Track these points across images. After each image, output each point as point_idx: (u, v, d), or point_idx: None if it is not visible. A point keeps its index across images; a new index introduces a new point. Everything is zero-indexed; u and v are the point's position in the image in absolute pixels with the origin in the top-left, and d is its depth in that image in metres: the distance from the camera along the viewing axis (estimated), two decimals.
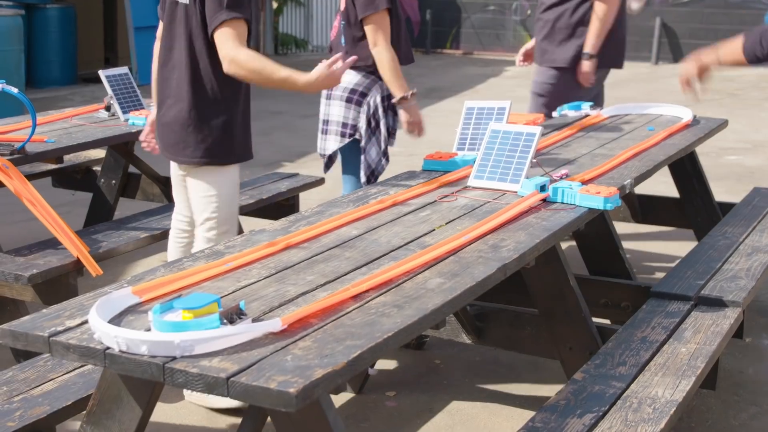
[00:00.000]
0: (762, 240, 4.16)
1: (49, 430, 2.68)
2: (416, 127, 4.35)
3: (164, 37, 3.59)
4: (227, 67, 3.34)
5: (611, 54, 5.34)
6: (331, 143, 4.49)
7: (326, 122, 4.50)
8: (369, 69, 4.29)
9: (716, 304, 3.47)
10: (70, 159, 5.61)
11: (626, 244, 4.90)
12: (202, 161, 3.53)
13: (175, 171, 3.74)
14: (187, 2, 3.45)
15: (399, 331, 2.21)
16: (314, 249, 2.78)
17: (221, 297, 2.34)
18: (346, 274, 2.56)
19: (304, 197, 5.50)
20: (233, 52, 3.30)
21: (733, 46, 4.00)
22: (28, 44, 10.69)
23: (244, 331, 2.10)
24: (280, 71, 3.32)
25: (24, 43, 9.65)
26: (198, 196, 3.62)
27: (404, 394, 3.81)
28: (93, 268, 3.79)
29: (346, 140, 4.40)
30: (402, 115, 4.28)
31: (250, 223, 5.19)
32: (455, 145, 3.96)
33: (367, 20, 4.14)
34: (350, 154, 4.48)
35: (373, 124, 4.37)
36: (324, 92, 4.45)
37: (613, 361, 3.01)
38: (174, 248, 3.90)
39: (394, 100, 4.25)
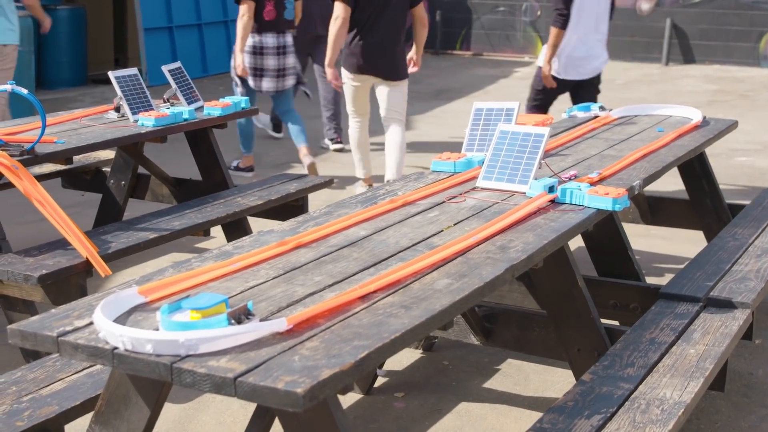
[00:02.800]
0: None
1: (58, 430, 2.69)
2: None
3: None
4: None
5: None
6: (290, 81, 7.10)
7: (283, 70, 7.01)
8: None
9: (725, 305, 3.46)
10: (79, 160, 5.62)
11: (635, 246, 4.89)
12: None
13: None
14: None
15: (406, 332, 2.21)
16: (322, 249, 2.78)
17: (229, 297, 2.35)
18: (354, 275, 2.56)
19: (312, 198, 5.50)
20: None
21: None
22: (38, 45, 10.71)
23: (248, 331, 2.10)
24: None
25: (34, 44, 9.68)
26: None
27: (412, 395, 3.81)
28: (102, 268, 3.80)
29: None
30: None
31: (258, 223, 5.20)
32: (464, 146, 3.96)
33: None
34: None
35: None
36: (274, 47, 6.95)
37: (622, 363, 3.00)
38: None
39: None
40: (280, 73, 6.95)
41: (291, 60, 7.04)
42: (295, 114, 7.34)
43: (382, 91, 6.48)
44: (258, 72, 6.93)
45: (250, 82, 6.95)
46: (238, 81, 7.04)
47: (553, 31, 6.14)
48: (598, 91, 6.39)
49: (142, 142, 5.15)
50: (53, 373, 2.89)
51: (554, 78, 6.25)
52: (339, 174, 7.37)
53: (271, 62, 6.93)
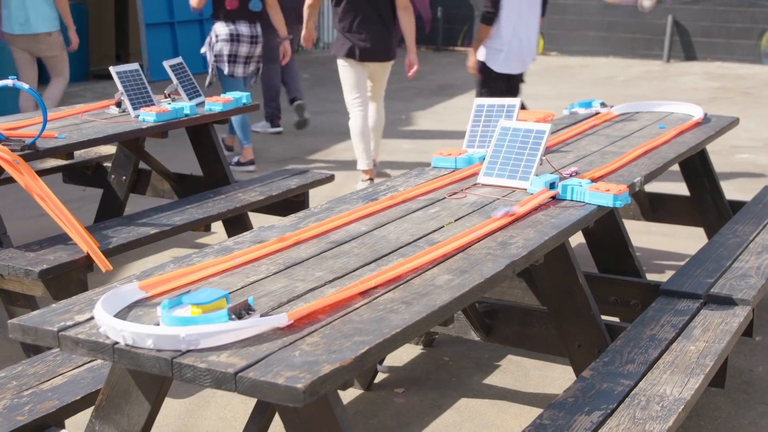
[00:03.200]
0: None
1: (59, 425, 2.69)
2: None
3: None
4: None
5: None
6: (251, 68, 7.28)
7: (250, 57, 7.22)
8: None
9: (726, 302, 3.46)
10: (80, 155, 5.62)
11: (636, 242, 4.90)
12: None
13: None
14: None
15: (407, 328, 2.21)
16: (323, 245, 2.78)
17: (230, 292, 2.35)
18: (354, 271, 2.57)
19: (313, 194, 5.50)
20: None
21: None
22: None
23: (249, 326, 2.10)
24: None
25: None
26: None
27: (413, 391, 3.81)
28: (103, 263, 3.80)
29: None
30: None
31: (259, 219, 5.20)
32: (465, 142, 3.96)
33: None
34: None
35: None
36: (248, 35, 7.18)
37: (622, 359, 3.00)
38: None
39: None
40: (248, 60, 7.29)
41: (259, 50, 7.36)
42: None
43: (372, 71, 6.79)
44: (232, 58, 7.21)
45: (226, 68, 7.20)
46: (214, 68, 7.29)
47: (481, 27, 6.73)
48: (522, 81, 6.93)
49: (144, 137, 5.16)
50: (54, 368, 2.90)
51: (495, 73, 6.67)
52: (339, 170, 7.37)
53: (243, 49, 7.23)
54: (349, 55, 6.61)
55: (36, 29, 7.46)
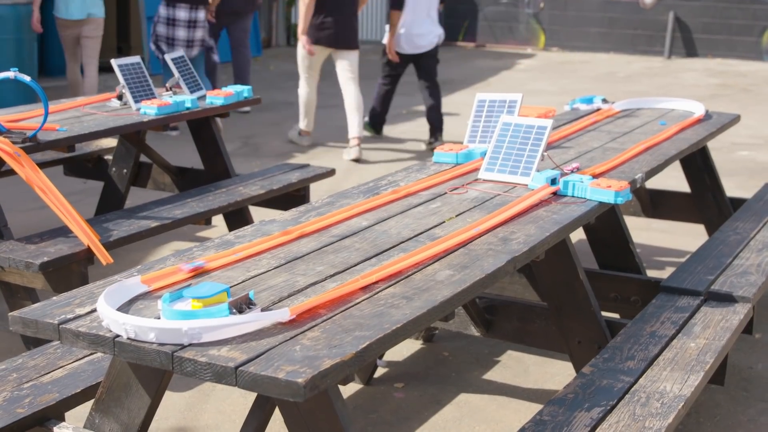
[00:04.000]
0: None
1: (59, 417, 2.69)
2: None
3: None
4: None
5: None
6: (195, 51, 7.82)
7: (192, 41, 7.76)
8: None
9: (726, 299, 3.46)
10: (81, 147, 5.61)
11: (636, 239, 4.90)
12: None
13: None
14: None
15: (408, 323, 2.21)
16: (324, 240, 2.78)
17: (231, 286, 2.35)
18: (355, 265, 2.57)
19: (314, 188, 5.50)
20: None
21: None
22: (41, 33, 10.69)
23: (252, 320, 2.10)
24: None
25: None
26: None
27: (412, 386, 3.82)
28: (103, 256, 3.80)
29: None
30: None
31: (260, 213, 5.20)
32: (466, 137, 3.96)
33: None
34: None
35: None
36: (185, 20, 7.64)
37: (622, 356, 3.00)
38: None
39: None
40: (189, 44, 7.84)
41: (200, 33, 7.73)
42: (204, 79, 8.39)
43: (340, 57, 7.80)
44: (170, 41, 7.68)
45: (165, 49, 7.67)
46: (155, 48, 7.80)
47: (392, 12, 7.85)
48: (437, 62, 8.16)
49: (145, 130, 5.15)
50: (54, 361, 2.90)
51: (398, 54, 7.92)
52: (340, 165, 7.37)
53: (181, 34, 7.61)
54: (310, 37, 7.68)
55: (94, 14, 8.23)
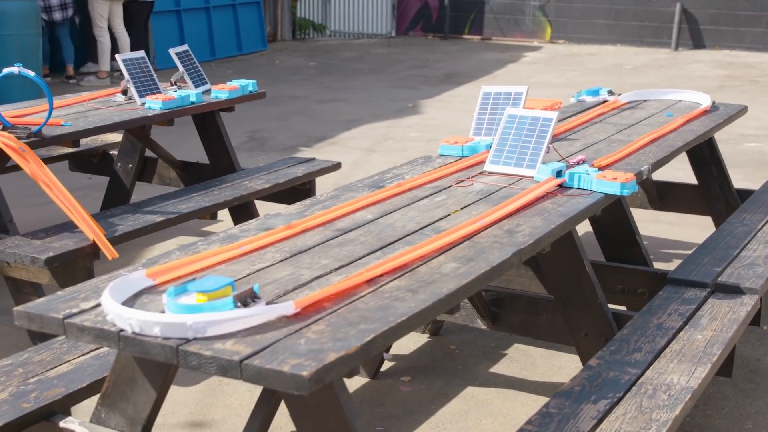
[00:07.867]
0: None
1: (65, 412, 2.69)
2: None
3: None
4: None
5: None
6: (70, 12, 10.56)
7: (65, 4, 10.46)
8: None
9: (733, 291, 3.45)
10: (86, 143, 5.62)
11: (643, 231, 4.88)
12: None
13: None
14: None
15: (413, 316, 2.20)
16: (329, 233, 2.77)
17: (235, 280, 2.35)
18: (360, 258, 2.56)
19: (320, 182, 5.50)
20: None
21: None
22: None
23: (256, 314, 2.10)
24: None
25: (42, 27, 9.71)
26: None
27: (419, 379, 3.81)
28: (109, 251, 3.80)
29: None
30: None
31: (265, 207, 5.19)
32: (472, 129, 3.95)
33: None
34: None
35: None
36: None
37: (629, 348, 2.99)
38: None
39: None
40: (64, 7, 10.41)
41: None
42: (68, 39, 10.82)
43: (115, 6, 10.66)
44: (48, 6, 10.35)
45: (45, 15, 10.18)
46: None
47: None
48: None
49: (150, 125, 5.15)
50: (60, 355, 2.90)
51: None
52: (346, 158, 7.36)
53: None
54: None
55: None
